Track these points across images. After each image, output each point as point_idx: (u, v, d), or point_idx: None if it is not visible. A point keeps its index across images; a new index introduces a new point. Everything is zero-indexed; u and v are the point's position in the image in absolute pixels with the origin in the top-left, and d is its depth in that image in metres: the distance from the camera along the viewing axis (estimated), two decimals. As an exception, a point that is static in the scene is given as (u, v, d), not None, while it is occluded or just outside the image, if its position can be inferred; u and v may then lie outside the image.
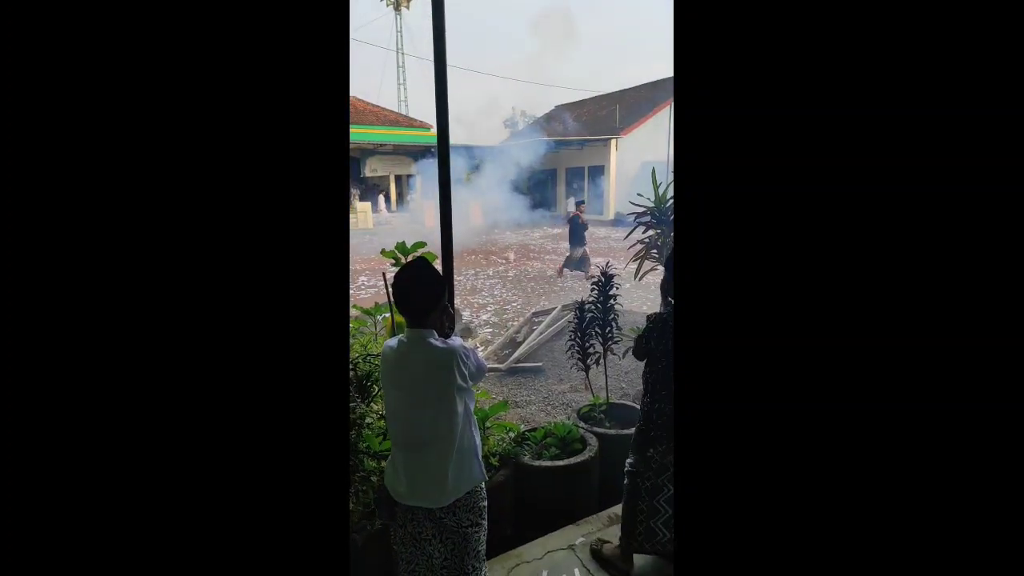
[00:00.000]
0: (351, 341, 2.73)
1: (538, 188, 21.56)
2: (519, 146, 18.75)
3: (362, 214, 17.21)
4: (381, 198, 19.14)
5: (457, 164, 15.76)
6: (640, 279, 3.80)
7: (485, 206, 17.07)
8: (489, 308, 7.20)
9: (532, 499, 2.39)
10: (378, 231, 15.62)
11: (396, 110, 23.20)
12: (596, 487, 2.50)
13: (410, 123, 20.16)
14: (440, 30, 1.85)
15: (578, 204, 9.43)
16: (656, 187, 3.60)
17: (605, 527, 2.28)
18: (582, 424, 2.74)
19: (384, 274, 2.41)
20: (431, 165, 16.13)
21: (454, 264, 2.11)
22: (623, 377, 4.38)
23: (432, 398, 1.41)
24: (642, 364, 1.97)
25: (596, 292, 2.98)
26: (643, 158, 18.08)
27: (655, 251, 3.65)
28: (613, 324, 2.97)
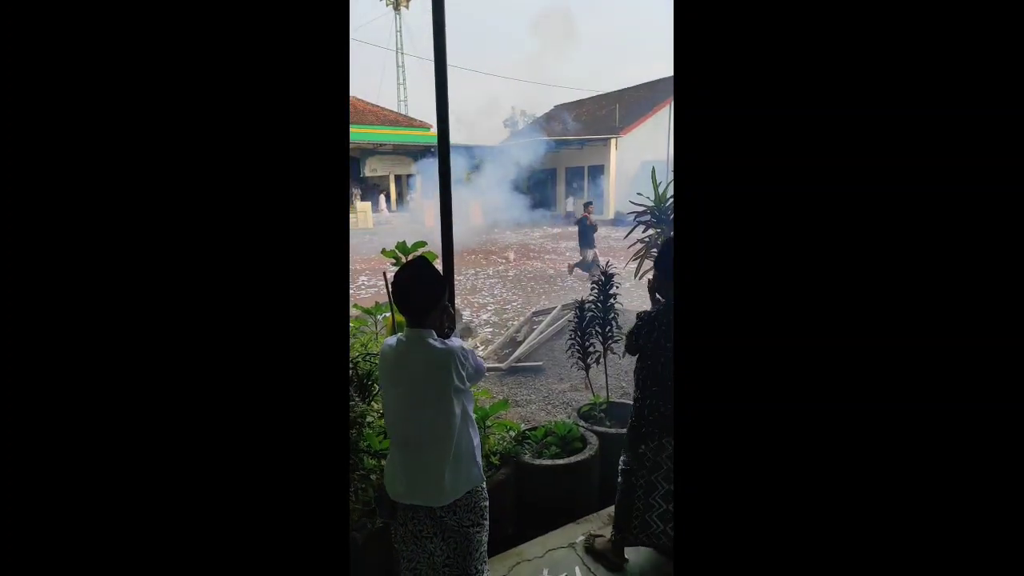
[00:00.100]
0: (352, 340, 2.74)
1: (538, 188, 21.56)
2: (519, 146, 18.75)
3: (362, 214, 17.22)
4: (382, 198, 19.14)
5: (457, 164, 15.76)
6: (640, 278, 3.80)
7: (485, 206, 17.07)
8: (489, 308, 7.20)
9: (533, 498, 2.40)
10: (378, 231, 15.62)
11: (396, 110, 23.19)
12: (596, 486, 2.50)
13: (410, 123, 20.16)
14: (440, 30, 1.85)
15: (586, 205, 9.30)
16: (656, 186, 3.60)
17: (605, 525, 2.28)
18: (582, 423, 2.75)
19: (384, 273, 2.42)
20: (431, 165, 16.14)
21: (454, 264, 2.11)
22: (623, 376, 4.39)
23: (430, 398, 1.41)
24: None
25: (596, 291, 2.99)
26: (643, 157, 18.08)
27: (655, 250, 3.65)
28: (613, 323, 2.98)
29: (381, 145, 18.75)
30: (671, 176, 1.90)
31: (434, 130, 2.06)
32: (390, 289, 1.52)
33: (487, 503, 1.55)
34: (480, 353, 5.13)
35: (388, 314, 2.72)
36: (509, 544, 2.18)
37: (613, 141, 19.30)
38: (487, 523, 1.56)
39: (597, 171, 20.09)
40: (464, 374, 1.45)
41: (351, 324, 2.87)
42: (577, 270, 8.97)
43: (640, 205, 3.63)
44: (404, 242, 2.45)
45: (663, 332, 1.85)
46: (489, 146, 19.09)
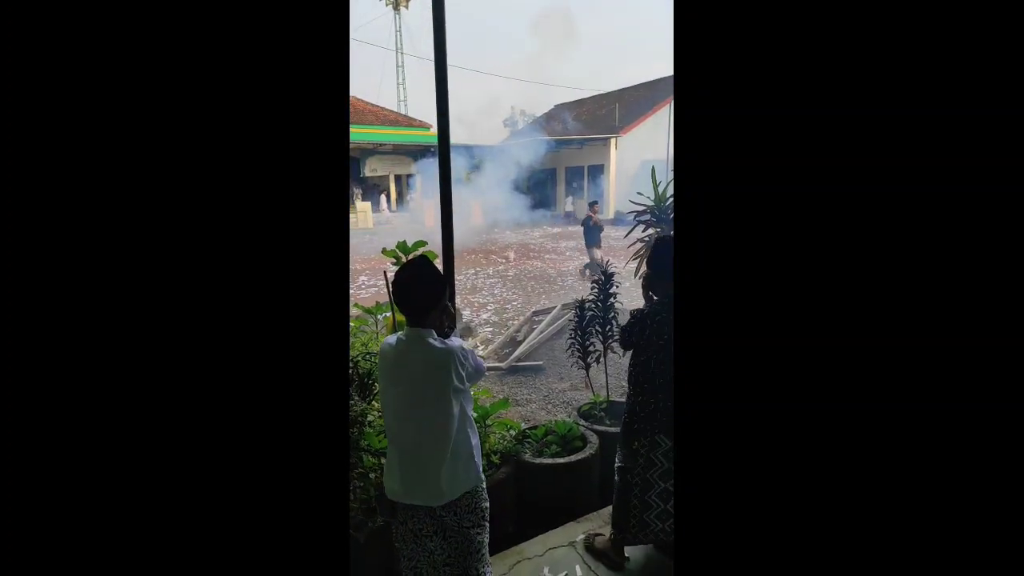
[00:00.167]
0: (352, 340, 2.74)
1: (538, 187, 21.55)
2: (519, 145, 18.74)
3: (362, 214, 17.22)
4: (383, 197, 19.15)
5: (457, 164, 15.75)
6: (639, 278, 3.80)
7: (485, 205, 17.07)
8: (489, 307, 7.20)
9: (533, 496, 2.40)
10: (378, 231, 15.63)
11: (395, 110, 23.19)
12: (597, 484, 2.51)
13: (409, 123, 20.16)
14: (440, 29, 1.85)
15: (591, 204, 9.26)
16: (656, 186, 3.60)
17: (606, 523, 2.29)
18: (583, 422, 2.75)
19: (385, 273, 2.42)
20: (431, 165, 16.15)
21: (454, 263, 2.11)
22: (623, 375, 4.38)
23: (429, 398, 1.41)
24: None
25: (596, 290, 2.99)
26: (642, 157, 18.08)
27: (654, 249, 3.65)
28: (613, 322, 2.98)
29: (381, 145, 18.75)
30: (671, 175, 1.90)
31: (434, 130, 2.07)
32: (390, 288, 1.52)
33: (488, 504, 1.55)
34: (480, 352, 5.13)
35: (388, 313, 2.72)
36: (510, 542, 2.19)
37: (613, 140, 19.30)
38: (488, 524, 1.55)
39: (597, 170, 20.09)
40: (464, 374, 1.45)
41: (351, 324, 2.88)
42: (587, 271, 8.94)
43: (640, 204, 3.63)
44: (404, 241, 2.45)
45: (655, 329, 1.85)
46: (489, 146, 19.09)
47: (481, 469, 1.53)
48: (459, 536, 1.48)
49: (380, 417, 2.32)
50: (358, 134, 16.98)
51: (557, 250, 12.41)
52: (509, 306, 7.22)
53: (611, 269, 3.04)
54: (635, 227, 3.64)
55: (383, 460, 2.15)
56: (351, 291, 7.68)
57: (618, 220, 8.69)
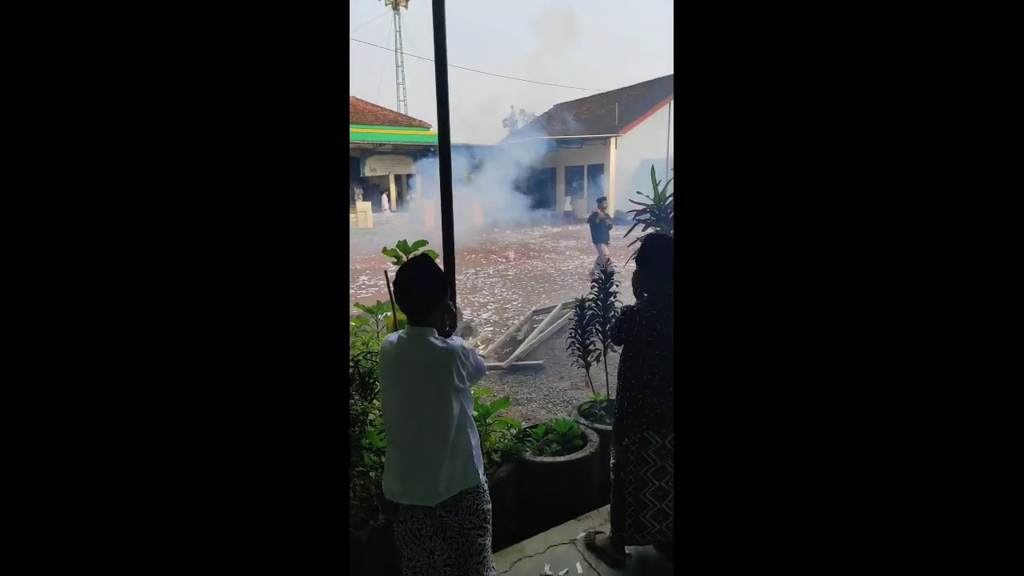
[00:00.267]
0: (353, 339, 2.75)
1: (538, 187, 21.55)
2: (519, 145, 18.75)
3: (362, 214, 17.23)
4: (384, 197, 19.16)
5: (457, 163, 15.73)
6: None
7: (485, 205, 17.07)
8: (489, 307, 7.21)
9: (534, 494, 2.41)
10: (378, 231, 15.63)
11: (395, 109, 23.19)
12: (597, 482, 2.51)
13: (409, 122, 20.16)
14: (441, 28, 1.86)
15: (599, 201, 9.20)
16: (655, 185, 3.60)
17: (606, 521, 2.29)
18: (583, 420, 2.76)
19: (386, 272, 2.42)
20: (431, 164, 16.15)
21: (455, 263, 2.12)
22: (624, 374, 4.39)
23: (430, 397, 1.41)
24: None
25: (596, 289, 3.00)
26: (642, 156, 18.07)
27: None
28: (613, 321, 2.99)
29: (381, 145, 18.75)
30: (670, 174, 1.91)
31: (434, 130, 2.07)
32: (393, 287, 1.52)
33: (490, 506, 1.54)
34: (480, 352, 5.14)
35: (389, 313, 2.73)
36: (511, 540, 2.19)
37: (613, 140, 19.29)
38: (490, 527, 1.54)
39: (597, 170, 20.08)
40: (464, 373, 1.44)
41: (352, 323, 2.88)
42: (597, 270, 8.89)
43: (640, 203, 3.63)
44: (405, 241, 2.46)
45: (643, 326, 1.86)
46: (489, 145, 19.09)
47: (482, 470, 1.51)
48: (460, 538, 1.48)
49: (381, 416, 2.32)
50: (358, 134, 16.98)
51: (557, 249, 12.41)
52: (509, 305, 7.23)
53: (611, 268, 3.05)
54: (635, 226, 3.64)
55: (384, 459, 2.16)
56: (351, 291, 7.69)
57: (618, 219, 8.68)
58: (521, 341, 5.34)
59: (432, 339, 1.43)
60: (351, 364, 2.27)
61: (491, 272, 9.71)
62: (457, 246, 2.11)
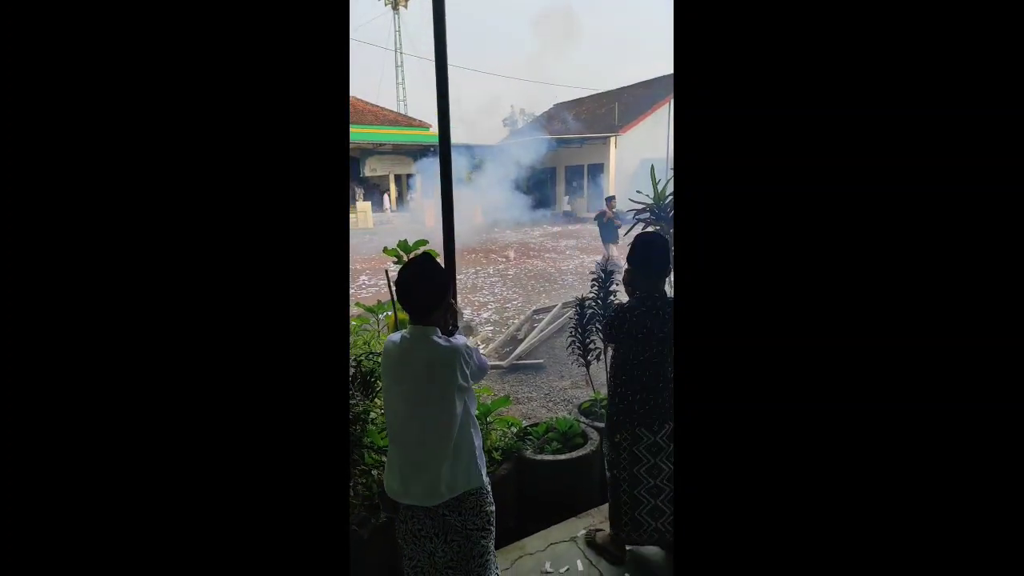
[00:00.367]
0: (355, 339, 2.76)
1: (538, 187, 21.55)
2: (519, 144, 18.75)
3: (362, 214, 17.24)
4: (386, 197, 19.17)
5: (457, 163, 15.69)
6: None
7: (485, 205, 17.07)
8: (490, 306, 7.21)
9: (534, 492, 2.42)
10: (378, 231, 15.64)
11: (395, 109, 23.19)
12: (597, 480, 2.52)
13: (409, 122, 20.16)
14: (441, 27, 1.86)
15: (607, 200, 9.06)
16: (655, 184, 3.61)
17: (607, 519, 2.30)
18: (583, 419, 2.76)
19: (387, 271, 2.43)
20: (431, 164, 16.13)
21: (455, 262, 2.12)
22: (624, 373, 4.39)
23: (433, 396, 1.40)
24: None
25: (596, 288, 3.01)
26: (642, 155, 18.05)
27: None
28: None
29: (381, 145, 18.76)
30: (670, 173, 1.91)
31: (434, 129, 2.08)
32: (395, 287, 1.50)
33: (493, 508, 1.52)
34: (481, 351, 5.14)
35: (390, 312, 2.74)
36: (512, 538, 2.20)
37: (612, 139, 19.28)
38: (493, 530, 1.53)
39: (597, 169, 20.08)
40: (468, 372, 1.44)
41: (353, 323, 2.89)
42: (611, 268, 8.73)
43: (639, 203, 3.64)
44: (406, 240, 2.46)
45: (634, 323, 1.86)
46: (489, 145, 19.09)
47: (485, 471, 1.50)
48: (463, 539, 1.46)
49: (383, 414, 2.33)
50: (358, 134, 16.98)
51: (557, 249, 12.41)
52: (510, 305, 7.23)
53: (611, 267, 3.05)
54: (635, 225, 3.65)
55: (384, 458, 2.16)
56: (352, 291, 7.70)
57: (618, 218, 8.63)
58: (521, 340, 5.35)
59: (435, 338, 1.42)
60: (353, 364, 2.27)
61: (491, 271, 9.72)
62: (457, 246, 2.11)
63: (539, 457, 2.43)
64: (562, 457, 2.43)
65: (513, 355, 4.92)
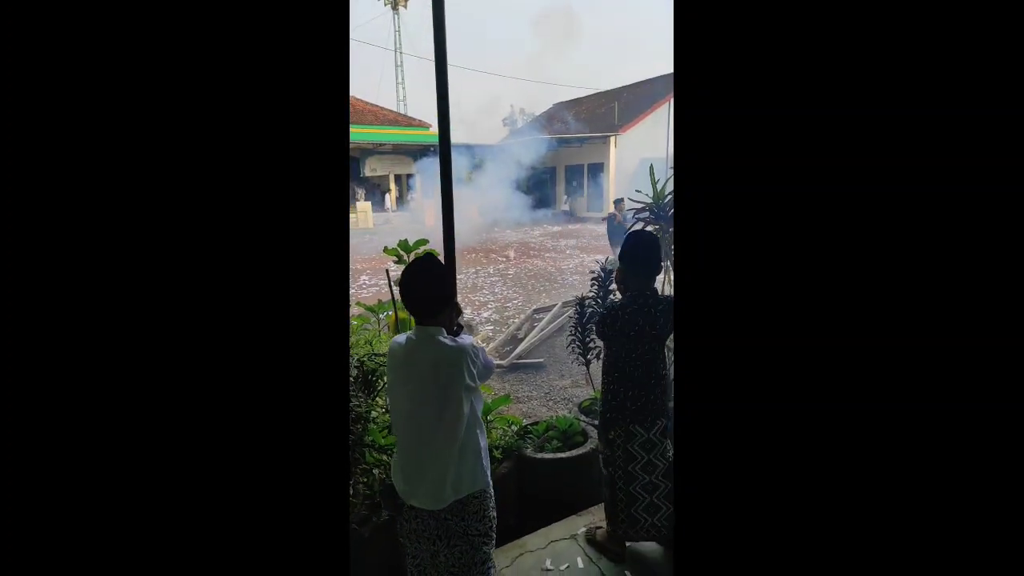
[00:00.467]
0: (357, 339, 2.76)
1: (538, 186, 21.54)
2: (519, 144, 18.75)
3: (362, 213, 17.25)
4: (387, 197, 19.17)
5: (457, 163, 15.69)
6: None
7: (485, 204, 17.07)
8: (490, 306, 7.22)
9: (535, 490, 2.43)
10: (378, 231, 15.64)
11: (395, 109, 23.18)
12: (597, 479, 2.51)
13: (409, 122, 20.15)
14: (440, 27, 1.86)
15: (616, 203, 9.02)
16: (654, 183, 3.61)
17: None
18: (583, 418, 2.77)
19: (387, 271, 2.44)
20: (431, 164, 16.12)
21: (456, 262, 2.13)
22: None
23: (440, 397, 1.39)
24: None
25: (596, 288, 3.01)
26: (642, 154, 18.04)
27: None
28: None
29: (381, 145, 18.76)
30: (669, 173, 1.91)
31: (433, 129, 2.08)
32: (400, 288, 1.48)
33: (495, 514, 1.52)
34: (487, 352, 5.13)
35: (391, 312, 2.74)
36: (512, 536, 2.20)
37: (612, 139, 19.28)
38: (494, 536, 1.53)
39: (597, 169, 20.08)
40: (475, 372, 1.42)
41: (354, 322, 2.90)
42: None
43: (639, 202, 3.64)
44: (406, 240, 2.47)
45: (626, 321, 1.87)
46: (489, 145, 19.09)
47: (489, 473, 1.49)
48: (465, 544, 1.45)
49: (384, 414, 2.34)
50: (358, 134, 16.98)
51: (557, 248, 12.41)
52: (510, 304, 7.24)
53: (611, 267, 3.06)
54: (634, 224, 3.65)
55: (385, 456, 2.17)
56: (352, 290, 7.70)
57: (627, 221, 8.56)
58: (522, 339, 5.35)
59: (442, 338, 1.41)
60: (356, 364, 2.28)
61: (491, 271, 9.72)
62: (457, 245, 2.12)
63: (539, 455, 2.44)
64: (562, 455, 2.43)
65: (513, 354, 4.93)
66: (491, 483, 1.51)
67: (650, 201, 3.59)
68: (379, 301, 2.90)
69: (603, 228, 10.21)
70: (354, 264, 9.91)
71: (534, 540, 2.19)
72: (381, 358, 2.32)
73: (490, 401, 2.59)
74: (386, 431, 2.23)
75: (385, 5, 27.86)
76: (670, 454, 1.97)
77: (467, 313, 6.44)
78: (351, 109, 17.08)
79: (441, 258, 2.00)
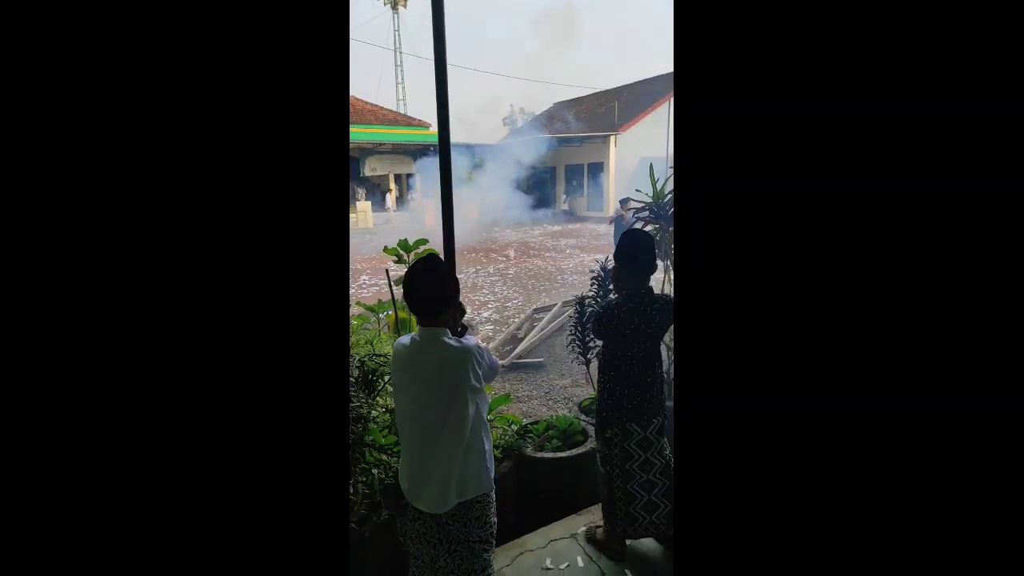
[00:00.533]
0: (358, 338, 2.77)
1: (538, 186, 21.54)
2: (519, 144, 18.75)
3: (362, 213, 17.25)
4: (387, 197, 19.18)
5: (458, 163, 15.72)
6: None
7: (485, 204, 17.07)
8: (490, 305, 7.22)
9: (535, 489, 2.43)
10: (378, 230, 15.64)
11: (395, 109, 23.18)
12: (596, 478, 2.53)
13: (409, 122, 20.15)
14: (440, 27, 1.86)
15: (622, 203, 9.03)
16: (654, 183, 3.61)
17: (607, 516, 2.31)
18: (583, 417, 2.77)
19: (387, 271, 2.44)
20: (431, 164, 16.12)
21: (456, 262, 2.13)
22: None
23: (445, 398, 1.38)
24: None
25: (596, 287, 3.01)
26: (642, 154, 18.03)
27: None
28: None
29: (381, 145, 18.76)
30: (669, 172, 1.91)
31: (433, 129, 2.08)
32: (403, 287, 1.47)
33: (496, 520, 1.51)
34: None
35: (391, 312, 2.75)
36: (512, 535, 2.20)
37: (612, 138, 19.28)
38: (494, 542, 1.52)
39: (597, 168, 20.07)
40: (480, 372, 1.41)
41: (354, 322, 2.90)
42: None
43: (639, 201, 3.64)
44: (406, 240, 2.47)
45: (621, 320, 1.87)
46: (489, 144, 19.09)
47: (493, 477, 1.48)
48: (465, 551, 1.44)
49: (384, 413, 2.34)
50: (358, 134, 16.98)
51: (557, 248, 12.41)
52: (510, 304, 7.24)
53: (611, 266, 3.06)
54: (634, 223, 3.65)
55: (386, 456, 2.17)
56: (352, 290, 7.70)
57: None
58: (522, 339, 5.35)
59: (446, 339, 1.40)
60: (357, 364, 2.28)
61: (491, 271, 9.72)
62: (457, 245, 2.12)
63: (539, 455, 2.44)
64: (562, 455, 2.44)
65: (513, 354, 4.93)
66: (494, 486, 1.50)
67: (650, 200, 3.59)
68: (379, 301, 2.90)
69: (603, 228, 10.21)
70: (354, 264, 9.91)
71: (534, 539, 2.19)
72: (381, 358, 2.32)
73: (490, 400, 2.59)
74: (386, 431, 2.23)
75: (385, 5, 27.86)
76: (667, 452, 1.97)
77: (467, 313, 6.45)
78: (351, 109, 17.08)
79: (441, 258, 2.00)
